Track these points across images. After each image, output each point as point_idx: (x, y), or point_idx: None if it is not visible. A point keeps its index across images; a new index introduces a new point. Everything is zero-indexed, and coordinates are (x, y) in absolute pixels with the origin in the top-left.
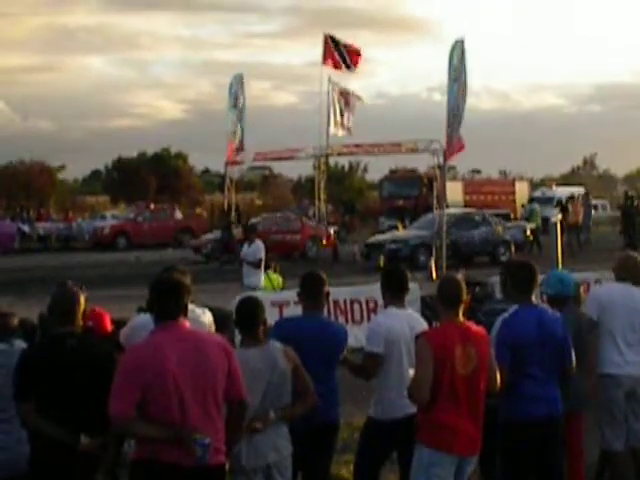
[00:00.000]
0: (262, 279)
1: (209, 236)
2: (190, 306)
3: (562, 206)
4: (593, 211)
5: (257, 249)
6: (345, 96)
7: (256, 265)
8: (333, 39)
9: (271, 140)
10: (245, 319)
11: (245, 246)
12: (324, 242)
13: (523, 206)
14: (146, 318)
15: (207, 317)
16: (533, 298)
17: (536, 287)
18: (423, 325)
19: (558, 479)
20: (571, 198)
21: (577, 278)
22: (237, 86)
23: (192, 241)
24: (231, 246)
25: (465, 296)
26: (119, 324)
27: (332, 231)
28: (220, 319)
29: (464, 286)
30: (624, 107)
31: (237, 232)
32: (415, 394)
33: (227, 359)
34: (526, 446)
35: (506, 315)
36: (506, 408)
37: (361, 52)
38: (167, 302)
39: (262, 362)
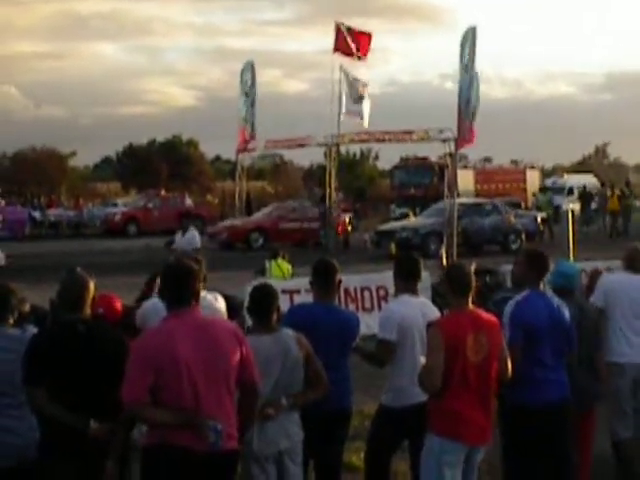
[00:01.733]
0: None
1: (225, 223)
2: (203, 293)
3: (602, 194)
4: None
5: (192, 237)
6: (355, 84)
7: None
8: (344, 27)
9: (282, 128)
10: (259, 306)
11: (179, 235)
12: (338, 230)
13: (534, 195)
14: (155, 302)
15: (220, 303)
16: (541, 286)
17: (545, 275)
18: (435, 313)
19: (568, 468)
20: (610, 187)
21: (587, 267)
22: (248, 73)
23: (208, 228)
24: None
25: (474, 283)
26: (129, 310)
27: (347, 219)
28: (233, 306)
29: (473, 273)
30: (636, 95)
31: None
32: (426, 382)
33: (239, 345)
34: (537, 432)
35: (519, 298)
36: (517, 393)
37: (371, 36)
38: (179, 289)
39: (275, 349)
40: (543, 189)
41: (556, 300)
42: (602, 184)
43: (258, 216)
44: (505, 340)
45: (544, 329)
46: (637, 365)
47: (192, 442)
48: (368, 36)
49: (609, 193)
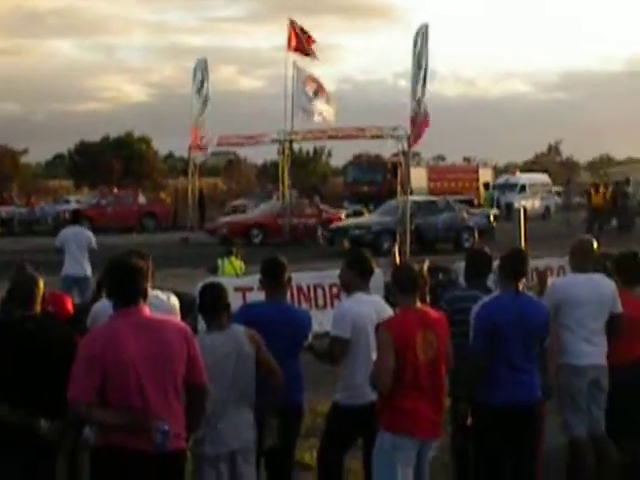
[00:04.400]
0: (89, 269)
1: (225, 219)
2: (154, 292)
3: (586, 191)
4: (556, 197)
5: (85, 234)
6: (313, 82)
7: (87, 251)
8: (297, 24)
9: (237, 125)
10: (208, 304)
11: (65, 231)
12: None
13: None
14: (106, 303)
15: (173, 302)
16: (520, 286)
17: (522, 275)
18: (389, 311)
19: (531, 470)
20: (594, 184)
21: (539, 265)
22: (201, 71)
23: (207, 223)
24: None
25: (425, 281)
26: (81, 309)
27: (344, 214)
28: (185, 304)
29: (425, 271)
30: (590, 94)
31: None
32: (378, 382)
33: (187, 344)
34: (504, 431)
35: (486, 299)
36: (484, 393)
37: (314, 40)
38: (124, 287)
39: (227, 346)
40: (487, 186)
41: (531, 300)
42: (626, 180)
43: (258, 212)
44: (470, 341)
45: (511, 330)
46: (596, 366)
47: (139, 443)
48: (312, 39)
49: (593, 190)
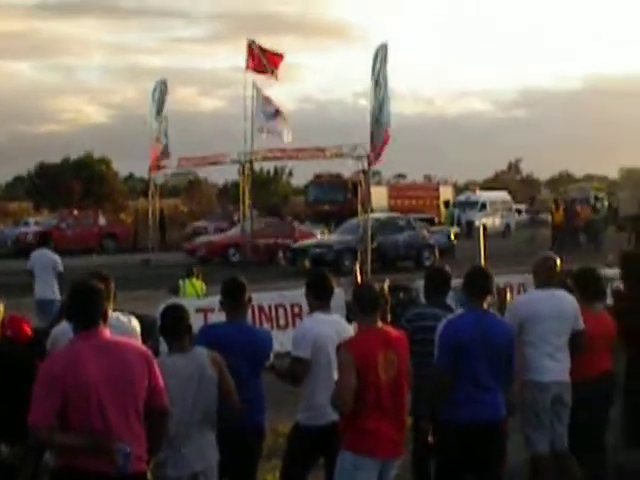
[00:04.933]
0: (57, 291)
1: (203, 239)
2: (115, 314)
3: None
4: (516, 215)
5: (52, 257)
6: (269, 102)
7: (54, 274)
8: (256, 45)
9: (197, 145)
10: (170, 326)
11: (33, 254)
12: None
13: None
14: (66, 326)
15: (134, 324)
16: (485, 305)
17: (487, 293)
18: (349, 331)
19: None
20: (555, 201)
21: (500, 282)
22: (160, 91)
23: (186, 244)
24: None
25: (386, 300)
26: (41, 333)
27: (320, 233)
28: (146, 326)
29: (386, 290)
30: (548, 112)
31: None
32: (339, 403)
33: (148, 367)
34: (467, 450)
35: (451, 317)
36: (447, 411)
37: (283, 57)
38: (85, 310)
39: (189, 369)
40: (447, 204)
41: (495, 318)
42: (555, 200)
43: (235, 231)
44: (434, 359)
45: (476, 348)
46: (559, 383)
47: (100, 465)
48: (280, 56)
49: (554, 208)
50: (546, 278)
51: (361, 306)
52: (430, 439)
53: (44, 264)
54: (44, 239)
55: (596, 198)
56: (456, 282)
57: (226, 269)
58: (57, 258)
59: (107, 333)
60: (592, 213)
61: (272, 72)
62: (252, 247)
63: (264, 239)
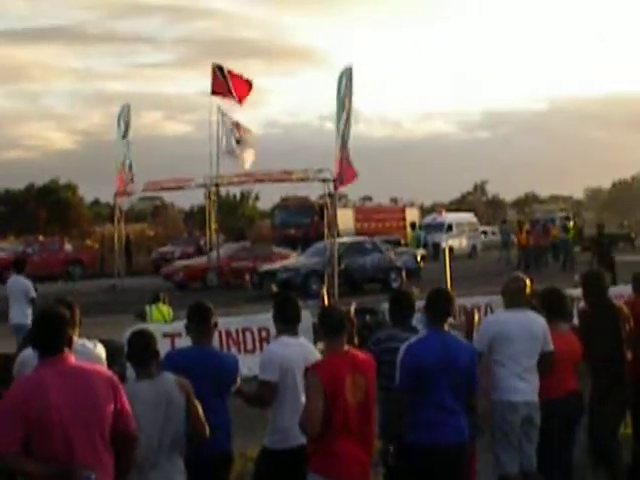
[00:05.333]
0: (29, 317)
1: (181, 263)
2: (81, 340)
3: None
4: (483, 236)
5: (25, 283)
6: (236, 127)
7: (27, 300)
8: (222, 69)
9: (163, 170)
10: (137, 352)
11: (9, 280)
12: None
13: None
14: (32, 352)
15: (99, 350)
16: (445, 327)
17: (448, 315)
18: (316, 355)
19: None
20: (518, 222)
21: (467, 303)
22: (125, 116)
23: (163, 269)
24: None
25: (352, 324)
26: (7, 359)
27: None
28: (111, 352)
29: (352, 314)
30: (513, 133)
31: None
32: (307, 427)
33: (114, 392)
34: (431, 472)
35: (412, 340)
36: (410, 434)
37: (251, 84)
38: (49, 336)
39: (157, 395)
40: (413, 226)
41: (457, 341)
42: (518, 221)
43: (212, 256)
44: (396, 383)
45: (438, 371)
46: (528, 403)
47: None
48: (248, 83)
49: (518, 228)
50: (515, 299)
51: (327, 330)
52: (390, 461)
53: (17, 290)
54: (19, 265)
55: (567, 218)
56: (422, 304)
57: (199, 294)
58: (29, 284)
59: (72, 359)
60: (563, 232)
61: (238, 97)
62: (230, 271)
63: (242, 262)
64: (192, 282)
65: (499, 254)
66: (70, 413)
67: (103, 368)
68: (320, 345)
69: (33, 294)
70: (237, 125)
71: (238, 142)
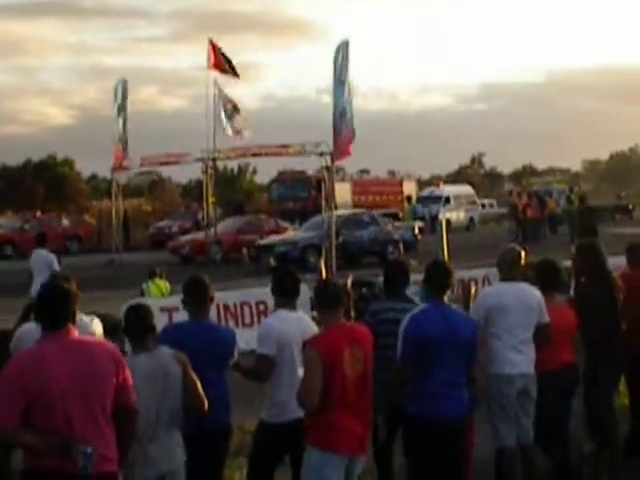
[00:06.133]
0: None
1: (188, 237)
2: (78, 315)
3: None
4: (481, 209)
5: (48, 256)
6: (230, 101)
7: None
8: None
9: (160, 144)
10: (134, 326)
11: (32, 254)
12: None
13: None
14: (32, 326)
15: (95, 325)
16: (445, 299)
17: (447, 287)
18: (313, 328)
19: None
20: (518, 194)
21: (464, 275)
22: (122, 91)
23: (170, 242)
24: None
25: (349, 296)
26: (5, 334)
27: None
28: (108, 326)
29: (349, 286)
30: (509, 105)
31: None
32: (305, 401)
33: (116, 367)
34: (432, 444)
35: (415, 311)
36: (412, 405)
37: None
38: (54, 311)
39: (153, 368)
40: (409, 199)
41: (458, 313)
42: (518, 193)
43: (219, 229)
44: (398, 354)
45: (440, 343)
46: (525, 375)
47: (67, 466)
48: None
49: (517, 200)
50: (510, 270)
51: (323, 304)
52: (382, 432)
53: (40, 263)
54: (41, 239)
55: (571, 190)
56: (419, 277)
57: (202, 268)
58: (53, 257)
59: (75, 333)
60: (567, 204)
61: (231, 71)
62: (238, 245)
63: (249, 236)
64: (198, 255)
65: (508, 226)
66: (71, 387)
67: (106, 341)
68: (316, 313)
69: (56, 267)
70: (231, 99)
71: (233, 115)
